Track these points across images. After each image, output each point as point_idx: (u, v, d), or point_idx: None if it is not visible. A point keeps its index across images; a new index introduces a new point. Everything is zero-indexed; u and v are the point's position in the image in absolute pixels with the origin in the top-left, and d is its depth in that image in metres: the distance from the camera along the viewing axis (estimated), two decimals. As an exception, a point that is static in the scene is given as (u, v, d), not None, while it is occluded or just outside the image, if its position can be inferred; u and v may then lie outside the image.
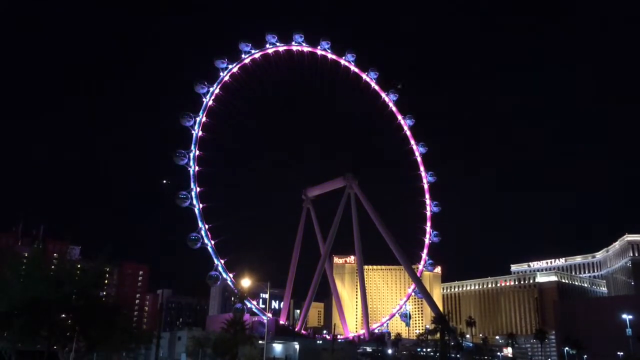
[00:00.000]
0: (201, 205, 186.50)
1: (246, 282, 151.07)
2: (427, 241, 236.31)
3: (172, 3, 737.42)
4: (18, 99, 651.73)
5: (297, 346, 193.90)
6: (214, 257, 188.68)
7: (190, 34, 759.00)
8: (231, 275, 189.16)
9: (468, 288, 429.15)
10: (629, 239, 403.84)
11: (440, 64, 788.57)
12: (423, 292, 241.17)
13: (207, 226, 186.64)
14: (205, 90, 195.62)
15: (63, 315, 60.67)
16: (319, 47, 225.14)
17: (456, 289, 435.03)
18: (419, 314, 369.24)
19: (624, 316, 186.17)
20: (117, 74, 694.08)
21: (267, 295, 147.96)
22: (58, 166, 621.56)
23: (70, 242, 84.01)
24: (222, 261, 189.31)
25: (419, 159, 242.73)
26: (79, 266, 66.08)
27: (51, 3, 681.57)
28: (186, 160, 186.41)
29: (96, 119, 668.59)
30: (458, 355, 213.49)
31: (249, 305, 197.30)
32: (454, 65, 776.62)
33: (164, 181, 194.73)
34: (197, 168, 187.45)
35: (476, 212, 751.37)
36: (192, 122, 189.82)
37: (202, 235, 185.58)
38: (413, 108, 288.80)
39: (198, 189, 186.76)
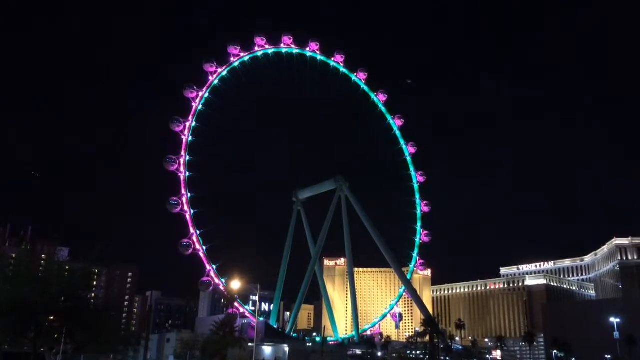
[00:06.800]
0: (192, 211, 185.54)
1: (236, 285, 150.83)
2: (417, 241, 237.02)
3: (158, 5, 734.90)
4: (14, 98, 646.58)
5: (286, 348, 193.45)
6: (206, 263, 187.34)
7: (177, 37, 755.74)
8: (223, 280, 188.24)
9: (458, 291, 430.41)
10: (617, 242, 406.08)
11: (431, 63, 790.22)
12: (413, 295, 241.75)
13: (198, 232, 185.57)
14: (194, 95, 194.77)
15: (50, 317, 60.24)
16: (308, 49, 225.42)
17: (446, 292, 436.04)
18: (409, 316, 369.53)
19: (612, 319, 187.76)
20: (108, 74, 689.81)
21: (257, 298, 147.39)
22: (47, 167, 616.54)
23: (59, 243, 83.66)
24: (214, 267, 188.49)
25: (408, 158, 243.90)
26: (67, 267, 65.50)
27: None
28: (176, 166, 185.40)
29: (85, 120, 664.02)
30: (447, 358, 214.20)
31: (241, 310, 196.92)
32: (444, 64, 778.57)
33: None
34: (187, 173, 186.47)
35: (466, 214, 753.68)
36: (181, 127, 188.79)
37: (193, 241, 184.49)
38: (402, 108, 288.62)
39: (189, 195, 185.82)
